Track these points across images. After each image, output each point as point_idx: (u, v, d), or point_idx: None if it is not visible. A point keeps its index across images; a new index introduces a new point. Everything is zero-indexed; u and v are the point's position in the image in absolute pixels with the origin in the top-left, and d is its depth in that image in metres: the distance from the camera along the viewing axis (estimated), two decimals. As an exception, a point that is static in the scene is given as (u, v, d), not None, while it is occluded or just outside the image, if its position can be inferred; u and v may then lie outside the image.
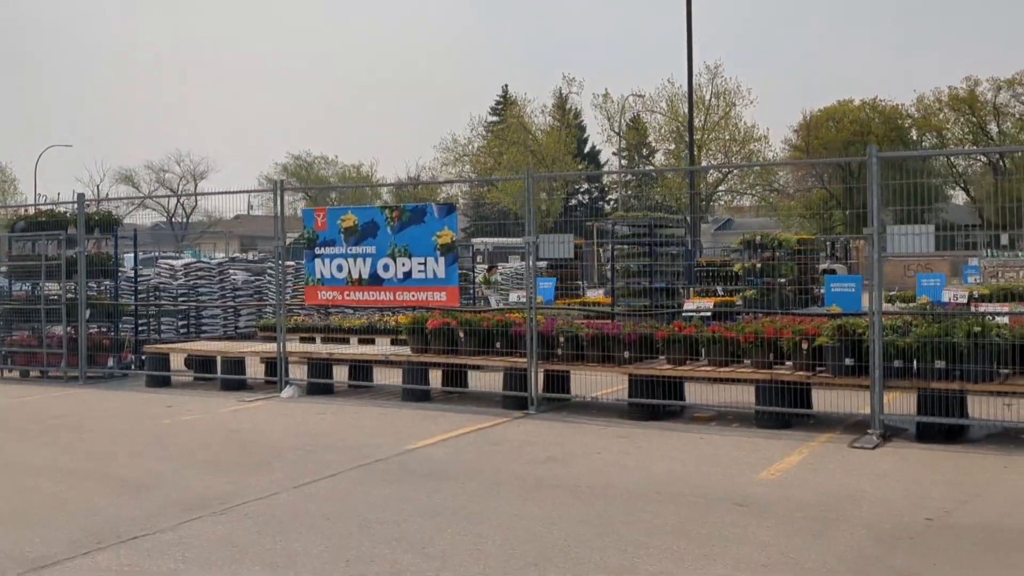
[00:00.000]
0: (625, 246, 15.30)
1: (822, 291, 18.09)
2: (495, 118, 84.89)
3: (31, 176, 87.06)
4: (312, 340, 16.94)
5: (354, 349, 13.71)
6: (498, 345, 11.77)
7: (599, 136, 73.56)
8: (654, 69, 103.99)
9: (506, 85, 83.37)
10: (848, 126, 67.45)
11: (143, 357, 15.31)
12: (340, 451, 8.99)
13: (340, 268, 12.35)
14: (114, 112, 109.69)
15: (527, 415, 10.82)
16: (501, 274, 24.56)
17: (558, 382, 11.46)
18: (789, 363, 10.49)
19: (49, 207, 15.31)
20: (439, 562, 5.66)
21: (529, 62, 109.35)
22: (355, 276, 12.25)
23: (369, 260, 12.14)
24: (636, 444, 9.17)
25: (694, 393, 11.16)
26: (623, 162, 65.56)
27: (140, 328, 15.77)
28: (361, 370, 13.13)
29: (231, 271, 24.08)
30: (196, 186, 77.70)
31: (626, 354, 10.84)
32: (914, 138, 68.15)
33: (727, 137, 59.54)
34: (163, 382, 13.96)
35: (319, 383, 12.75)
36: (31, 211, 15.72)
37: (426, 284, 11.81)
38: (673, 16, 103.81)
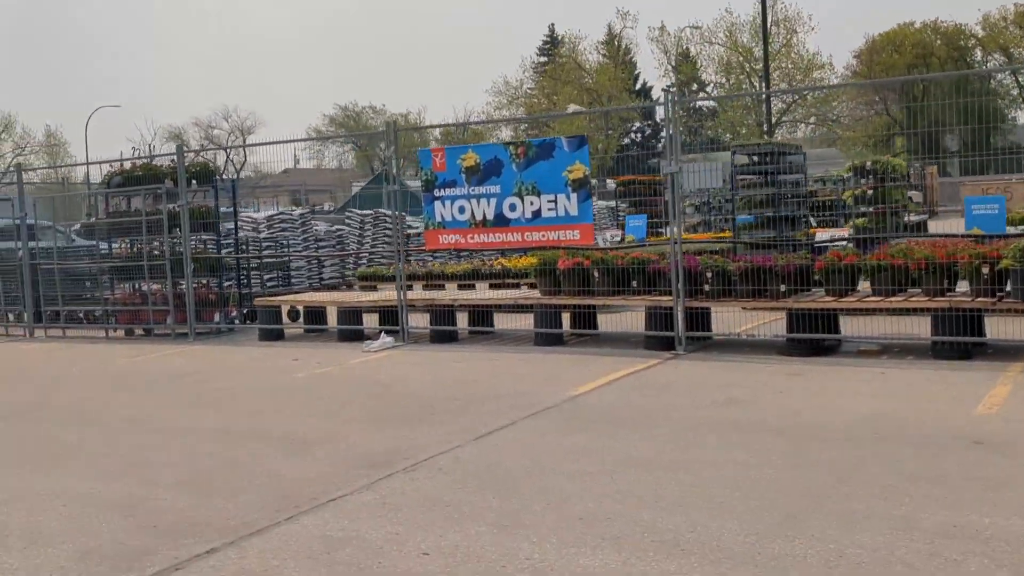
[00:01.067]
0: (747, 175, 14.48)
1: (911, 217, 17.19)
2: (543, 58, 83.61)
3: (81, 138, 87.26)
4: (410, 288, 16.44)
5: (480, 294, 13.12)
6: (634, 284, 11.15)
7: (652, 71, 72.20)
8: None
9: (552, 24, 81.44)
10: (909, 50, 65.11)
11: (247, 311, 14.96)
12: (499, 399, 8.46)
13: (462, 210, 11.76)
14: (157, 71, 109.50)
15: (677, 355, 10.21)
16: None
17: (699, 320, 10.85)
18: (960, 290, 9.79)
19: (144, 160, 14.85)
20: (683, 517, 5.08)
21: None
22: (479, 217, 11.64)
23: (494, 200, 11.52)
24: (815, 381, 8.52)
25: (849, 326, 10.47)
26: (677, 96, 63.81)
27: (239, 282, 15.34)
28: (481, 315, 12.62)
29: (313, 222, 23.67)
30: (244, 140, 77.47)
31: (782, 287, 10.15)
32: (978, 58, 65.84)
33: (789, 65, 57.82)
34: (276, 335, 13.54)
35: (443, 330, 12.23)
36: (125, 166, 15.27)
37: (557, 223, 11.17)
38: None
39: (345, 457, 6.80)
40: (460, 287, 15.95)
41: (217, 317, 14.38)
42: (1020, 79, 65.08)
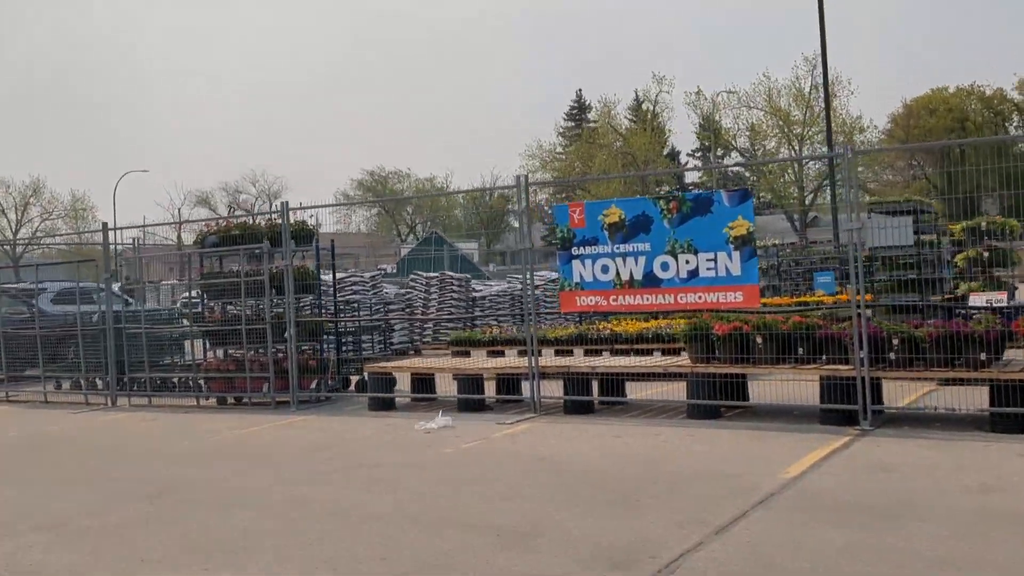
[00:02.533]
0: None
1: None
2: (571, 123, 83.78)
3: (109, 203, 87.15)
4: (501, 354, 15.57)
5: (616, 361, 12.17)
6: (800, 351, 10.23)
7: (689, 135, 71.99)
8: (724, 67, 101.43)
9: (580, 90, 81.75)
10: (945, 114, 64.79)
11: (346, 378, 14.07)
12: (704, 482, 7.48)
13: (605, 269, 10.88)
14: (181, 137, 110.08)
15: (864, 432, 9.21)
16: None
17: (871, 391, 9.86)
18: None
19: (241, 218, 14.08)
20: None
21: (599, 64, 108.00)
22: (625, 278, 10.76)
23: (643, 258, 10.64)
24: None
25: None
26: (713, 159, 63.49)
27: (342, 347, 14.45)
28: (613, 384, 11.66)
29: (383, 284, 22.89)
30: (271, 205, 77.22)
31: (982, 355, 9.20)
32: (1016, 122, 65.50)
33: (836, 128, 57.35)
34: (388, 404, 12.61)
35: (579, 400, 11.28)
36: (217, 225, 14.52)
37: (718, 283, 10.27)
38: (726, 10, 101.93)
39: (575, 551, 5.85)
40: (557, 352, 15.05)
41: (314, 384, 13.47)
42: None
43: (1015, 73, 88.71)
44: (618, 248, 10.78)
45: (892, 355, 9.56)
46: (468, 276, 25.37)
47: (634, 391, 12.11)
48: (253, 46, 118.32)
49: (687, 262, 10.39)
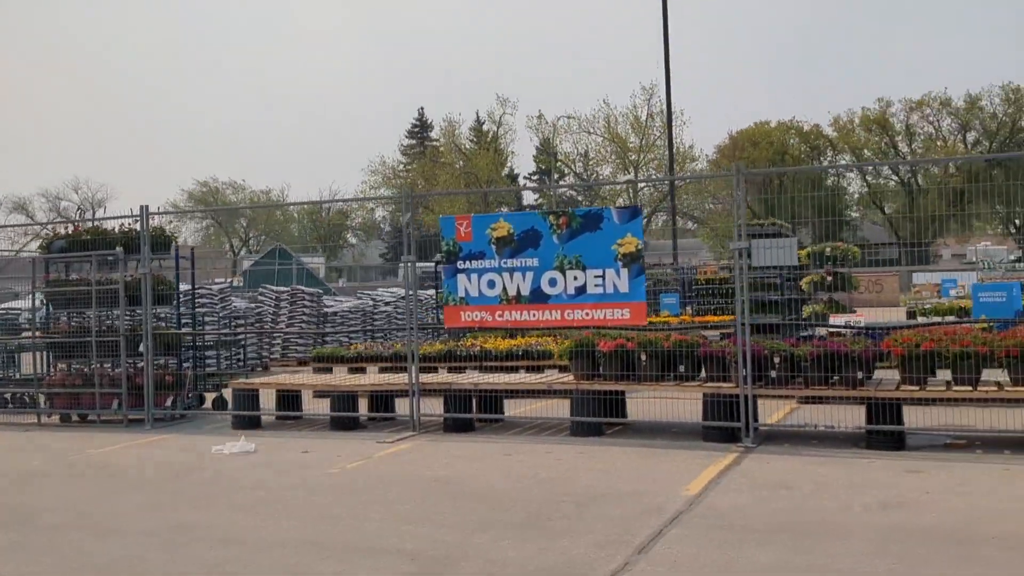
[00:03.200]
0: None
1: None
2: (412, 141, 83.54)
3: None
4: (362, 370, 15.12)
5: (499, 378, 11.93)
6: (681, 369, 10.34)
7: (521, 159, 73.22)
8: (566, 93, 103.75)
9: (422, 108, 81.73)
10: (767, 147, 68.28)
11: (201, 395, 13.29)
12: (610, 501, 7.38)
13: (492, 284, 10.68)
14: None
15: (749, 449, 9.36)
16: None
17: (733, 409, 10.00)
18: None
19: (94, 223, 13.13)
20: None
21: (442, 84, 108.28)
22: (512, 293, 10.60)
23: (531, 274, 10.51)
24: (942, 479, 7.83)
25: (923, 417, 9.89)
26: (549, 182, 64.57)
27: (194, 362, 13.63)
28: (490, 402, 11.47)
29: (232, 297, 21.90)
30: (94, 213, 73.17)
31: (859, 374, 9.52)
32: (830, 157, 69.63)
33: (665, 156, 59.40)
34: (253, 423, 11.97)
35: (460, 418, 11.02)
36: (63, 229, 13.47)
37: (605, 300, 10.24)
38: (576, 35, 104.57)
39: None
40: (423, 370, 14.74)
41: (169, 402, 12.64)
42: (868, 179, 69.27)
43: (829, 111, 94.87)
44: (506, 263, 10.61)
45: (773, 373, 9.79)
46: (319, 291, 24.65)
47: (510, 408, 11.98)
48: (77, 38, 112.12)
49: (575, 278, 10.33)
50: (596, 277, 10.26)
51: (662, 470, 8.53)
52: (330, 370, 15.44)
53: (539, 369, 13.48)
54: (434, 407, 11.31)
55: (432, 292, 22.85)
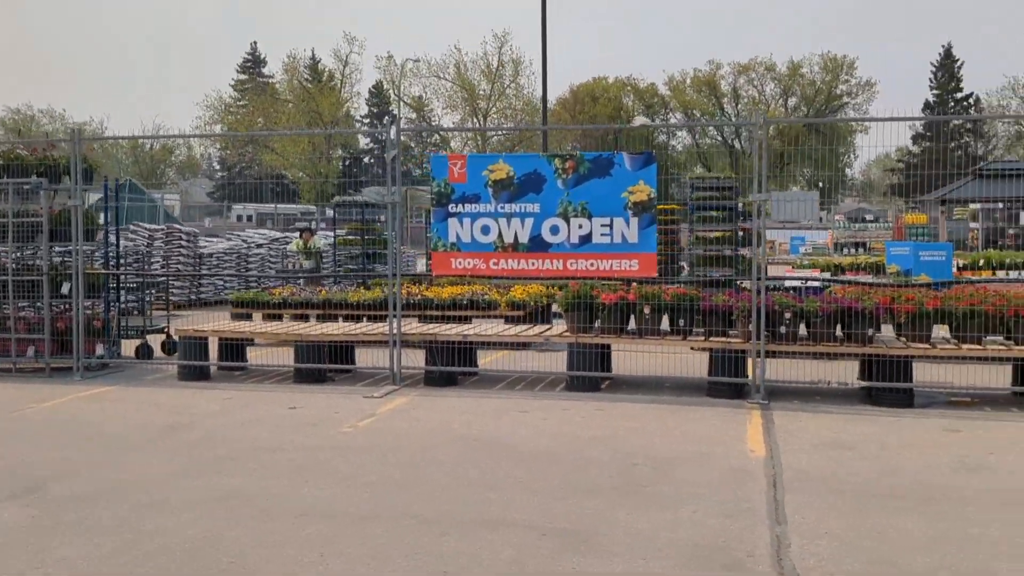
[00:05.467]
0: (704, 211, 13.85)
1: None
2: (244, 76, 79.67)
3: None
4: (305, 318, 14.11)
5: (487, 327, 11.24)
6: (681, 323, 10.04)
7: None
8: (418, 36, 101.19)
9: (255, 42, 77.99)
10: (606, 102, 69.21)
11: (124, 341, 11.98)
12: (683, 465, 6.97)
13: (487, 230, 9.99)
14: None
15: (764, 405, 9.15)
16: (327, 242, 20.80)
17: (733, 365, 9.80)
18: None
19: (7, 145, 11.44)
20: None
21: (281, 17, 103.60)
22: (508, 240, 9.95)
23: (530, 220, 9.89)
24: (1005, 436, 7.87)
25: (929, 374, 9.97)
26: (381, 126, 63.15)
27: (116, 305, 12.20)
28: (463, 354, 10.82)
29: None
30: None
31: (870, 331, 9.49)
32: (664, 115, 71.32)
33: (515, 106, 59.21)
34: (203, 374, 10.86)
35: (444, 372, 10.32)
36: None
37: (612, 251, 9.77)
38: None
39: (665, 551, 5.15)
40: (346, 319, 13.87)
41: (99, 349, 11.31)
42: (697, 138, 71.52)
43: (664, 70, 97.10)
44: (503, 208, 9.94)
45: (783, 329, 9.63)
46: (195, 231, 22.95)
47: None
48: None
49: (580, 226, 9.80)
50: (603, 226, 9.76)
51: (703, 428, 8.20)
52: (249, 316, 14.31)
53: (489, 319, 12.93)
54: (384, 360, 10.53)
55: (293, 236, 21.50)
